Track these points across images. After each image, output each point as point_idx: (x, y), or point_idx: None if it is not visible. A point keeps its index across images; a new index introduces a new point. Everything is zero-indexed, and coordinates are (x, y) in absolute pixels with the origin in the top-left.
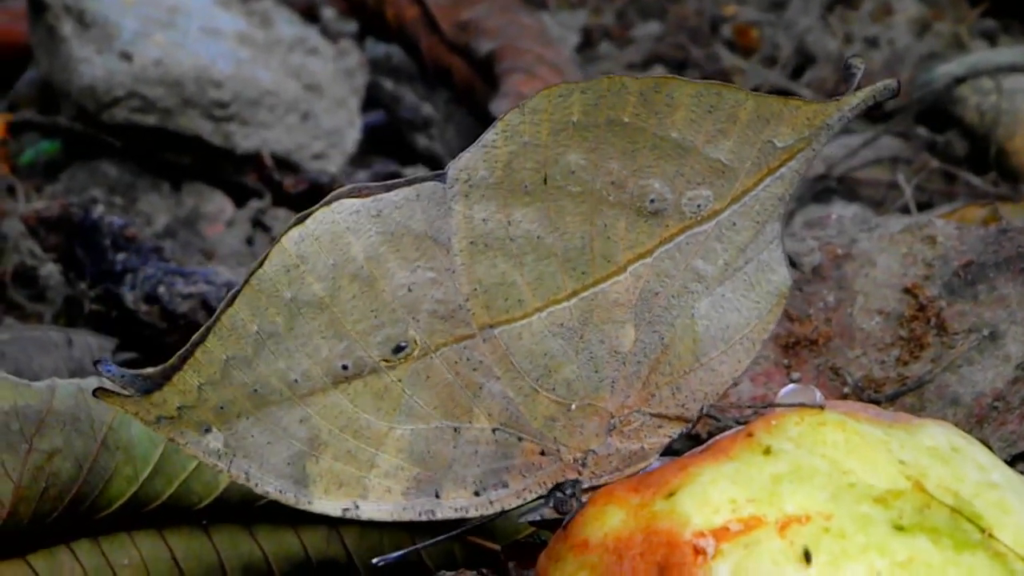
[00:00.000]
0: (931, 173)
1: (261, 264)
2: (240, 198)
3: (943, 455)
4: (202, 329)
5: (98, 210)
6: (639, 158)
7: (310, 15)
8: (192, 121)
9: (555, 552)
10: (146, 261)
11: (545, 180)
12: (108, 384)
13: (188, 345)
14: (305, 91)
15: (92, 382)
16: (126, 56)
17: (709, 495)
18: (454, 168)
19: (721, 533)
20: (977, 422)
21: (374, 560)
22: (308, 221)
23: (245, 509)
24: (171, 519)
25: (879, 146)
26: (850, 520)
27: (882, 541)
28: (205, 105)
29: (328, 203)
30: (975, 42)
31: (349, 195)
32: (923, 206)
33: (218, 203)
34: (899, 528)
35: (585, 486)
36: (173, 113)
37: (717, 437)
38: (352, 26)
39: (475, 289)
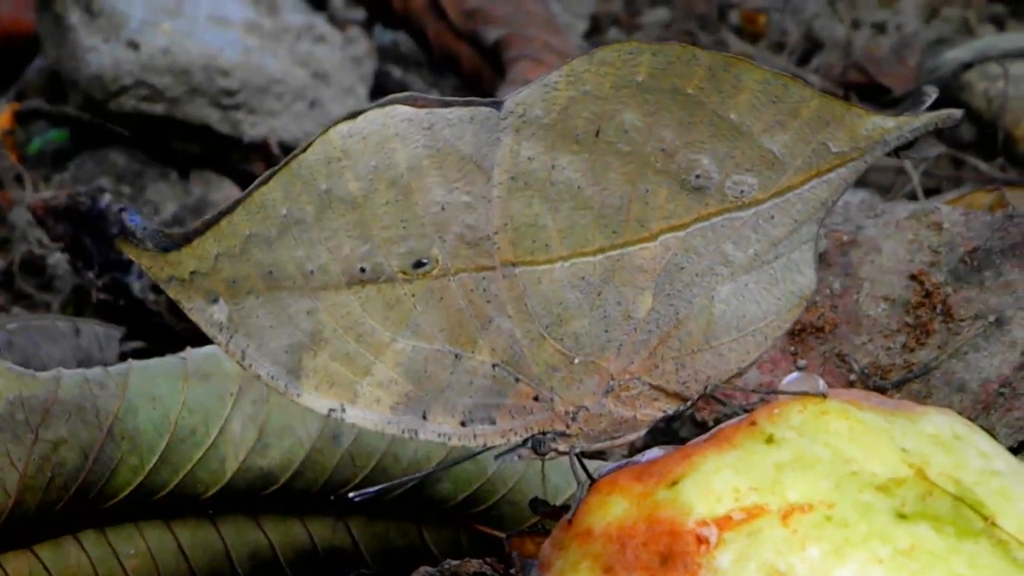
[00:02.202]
0: (938, 159)
1: (304, 150)
2: (248, 186)
3: (945, 443)
4: (232, 201)
5: (105, 199)
6: (694, 131)
7: (317, 3)
8: (200, 109)
9: (559, 541)
10: None
11: (598, 133)
12: (129, 235)
13: (215, 213)
14: (313, 79)
15: (98, 372)
16: (133, 45)
17: (712, 484)
18: (511, 100)
19: (724, 522)
20: (983, 408)
21: (352, 495)
22: (359, 118)
23: (251, 499)
24: (177, 509)
25: None
26: (852, 508)
27: (884, 529)
28: (213, 93)
29: (382, 105)
30: (983, 27)
31: (405, 102)
32: (931, 191)
33: (226, 191)
34: (901, 516)
35: (571, 442)
36: (181, 102)
37: (721, 425)
38: (359, 14)
39: (506, 224)
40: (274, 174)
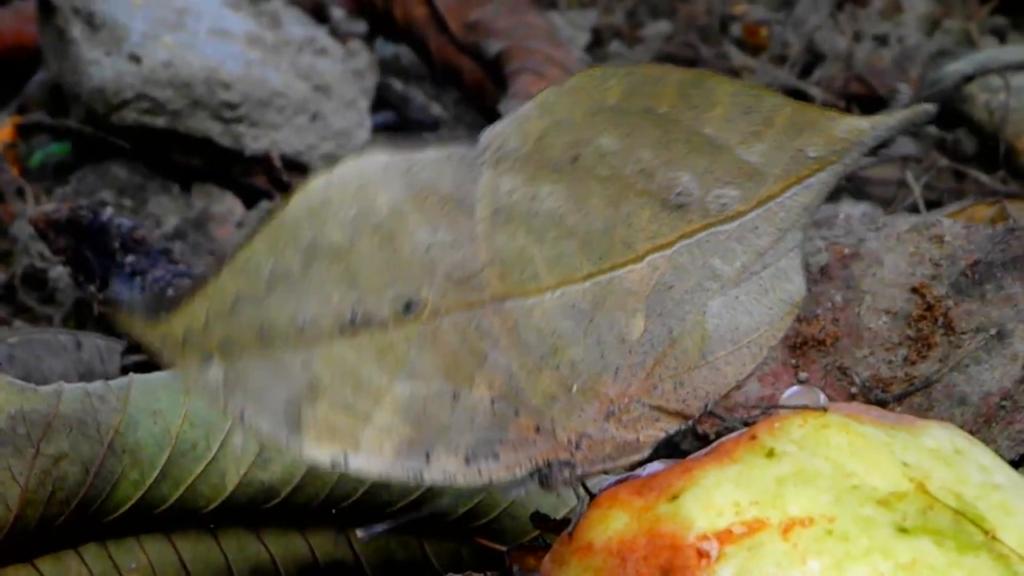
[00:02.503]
0: (940, 171)
1: (285, 204)
2: (250, 199)
3: (946, 457)
4: (217, 262)
5: (107, 212)
6: (671, 150)
7: (319, 16)
8: (201, 123)
9: (559, 555)
10: (155, 263)
11: (575, 160)
12: (121, 303)
13: (202, 276)
14: (314, 92)
15: (99, 386)
16: (135, 58)
17: (712, 498)
18: (487, 134)
19: (725, 536)
20: (985, 421)
21: (358, 532)
22: (337, 168)
23: (253, 512)
24: (178, 523)
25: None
26: (853, 522)
27: (885, 543)
28: (214, 106)
29: (359, 154)
30: (985, 39)
31: (381, 149)
32: (932, 204)
33: (228, 204)
34: (902, 530)
35: (576, 468)
36: (182, 115)
37: (721, 439)
38: (361, 26)
39: (492, 259)
40: (256, 232)
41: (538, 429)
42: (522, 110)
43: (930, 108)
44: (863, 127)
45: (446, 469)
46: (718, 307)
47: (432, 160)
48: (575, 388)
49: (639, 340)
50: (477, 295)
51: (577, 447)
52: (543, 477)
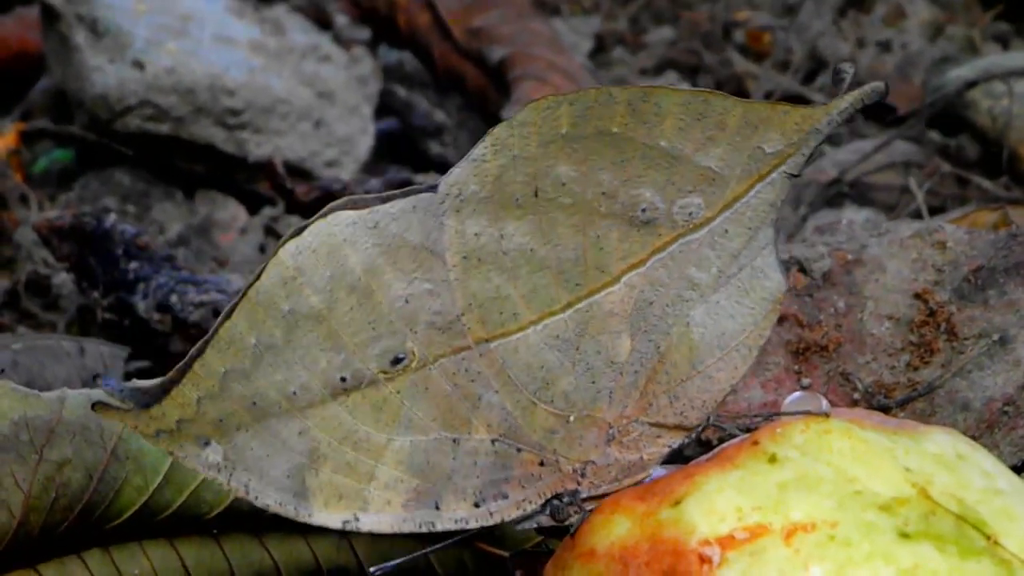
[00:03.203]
0: (943, 177)
1: (258, 277)
2: (253, 206)
3: (948, 462)
4: (200, 342)
5: (110, 219)
6: (629, 168)
7: (323, 22)
8: (205, 129)
9: (561, 561)
10: (158, 270)
11: (536, 193)
12: (108, 399)
13: (187, 358)
14: (318, 98)
15: (101, 393)
16: (139, 64)
17: (715, 503)
18: (444, 183)
19: (727, 541)
20: (987, 427)
21: (372, 569)
22: (305, 233)
23: (255, 518)
24: (181, 528)
25: (891, 150)
26: (855, 528)
27: (887, 549)
28: (218, 113)
29: (324, 215)
30: (988, 46)
31: (345, 207)
32: (936, 210)
33: (231, 211)
34: (904, 536)
35: (584, 496)
36: (186, 121)
37: (723, 445)
38: (365, 33)
39: (470, 304)
40: (235, 307)
41: (542, 463)
42: (475, 152)
43: (879, 85)
44: (816, 115)
45: (457, 515)
46: (701, 315)
47: (398, 212)
48: (572, 418)
49: (628, 360)
50: (462, 340)
51: (583, 475)
52: (554, 509)
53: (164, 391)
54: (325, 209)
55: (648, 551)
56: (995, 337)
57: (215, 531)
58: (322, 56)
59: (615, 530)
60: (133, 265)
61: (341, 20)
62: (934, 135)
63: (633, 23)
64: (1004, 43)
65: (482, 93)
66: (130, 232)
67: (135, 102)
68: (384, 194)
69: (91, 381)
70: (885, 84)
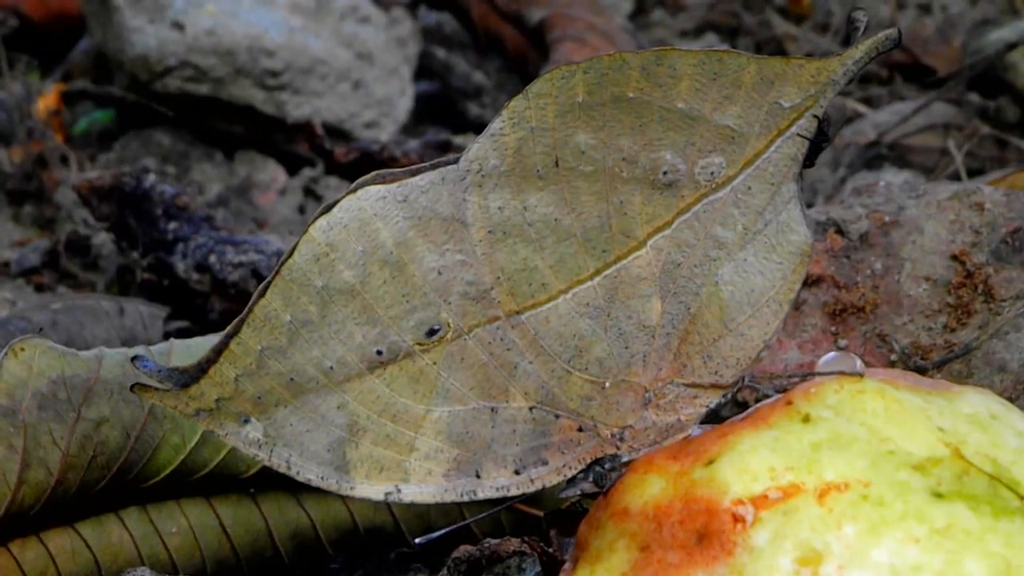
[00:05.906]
0: (982, 139)
1: (291, 254)
2: (292, 167)
3: (982, 422)
4: (236, 321)
5: (150, 179)
6: (648, 132)
7: None
8: (244, 90)
9: (595, 520)
10: (197, 230)
11: (557, 163)
12: (146, 379)
13: (223, 337)
14: (357, 60)
15: (140, 351)
16: (178, 26)
17: (748, 463)
18: (464, 159)
19: (760, 501)
20: None
21: (416, 540)
22: (335, 209)
23: (292, 477)
24: (219, 487)
25: (931, 112)
26: (889, 488)
27: (920, 508)
28: (257, 74)
29: (354, 190)
30: None
31: (374, 182)
32: (974, 172)
33: (270, 172)
34: (937, 495)
35: (624, 460)
36: (225, 82)
37: (757, 405)
38: None
39: (498, 277)
40: (268, 285)
41: (580, 429)
42: (492, 126)
43: (892, 32)
44: (831, 66)
45: (498, 483)
46: (729, 274)
47: (427, 184)
48: (607, 384)
49: (659, 323)
50: (496, 310)
51: (621, 439)
52: (596, 476)
53: (202, 371)
54: (354, 184)
55: (681, 510)
56: None
57: (252, 490)
58: (361, 17)
59: (648, 489)
60: (172, 225)
61: None
62: (973, 97)
63: None
64: None
65: (521, 54)
66: (169, 192)
67: (175, 63)
68: (413, 167)
69: (132, 340)
70: (898, 30)
